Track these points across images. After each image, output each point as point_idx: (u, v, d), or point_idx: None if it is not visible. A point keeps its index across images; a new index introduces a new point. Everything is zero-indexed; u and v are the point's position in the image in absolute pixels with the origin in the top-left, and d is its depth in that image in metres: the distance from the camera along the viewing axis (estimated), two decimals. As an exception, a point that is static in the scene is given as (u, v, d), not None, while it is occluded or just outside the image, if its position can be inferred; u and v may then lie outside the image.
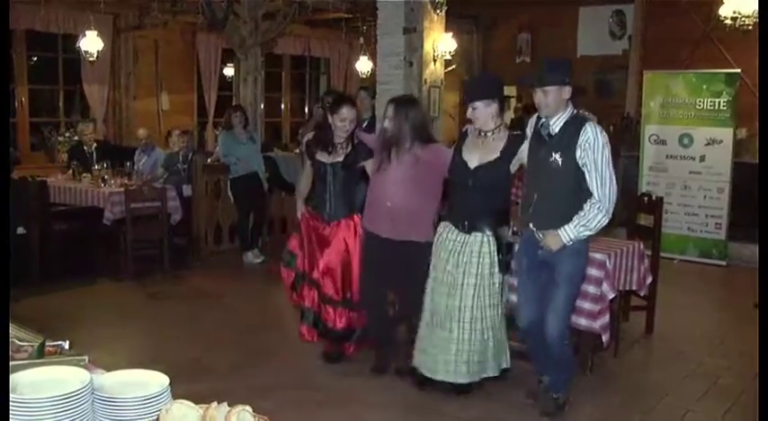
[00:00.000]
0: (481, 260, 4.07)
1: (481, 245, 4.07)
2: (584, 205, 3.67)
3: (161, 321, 5.89)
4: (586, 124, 3.68)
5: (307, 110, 13.98)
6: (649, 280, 5.15)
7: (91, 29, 9.18)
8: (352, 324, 4.69)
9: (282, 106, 13.21)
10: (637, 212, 6.11)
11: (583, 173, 3.66)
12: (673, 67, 8.93)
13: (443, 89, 7.73)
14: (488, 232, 4.08)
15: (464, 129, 4.35)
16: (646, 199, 6.04)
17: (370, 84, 8.98)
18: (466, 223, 4.09)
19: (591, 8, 11.15)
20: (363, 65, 12.23)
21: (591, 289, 4.39)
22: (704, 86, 8.28)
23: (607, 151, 3.64)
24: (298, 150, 9.75)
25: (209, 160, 8.48)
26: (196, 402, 1.82)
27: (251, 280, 7.35)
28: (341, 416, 4.13)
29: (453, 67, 8.07)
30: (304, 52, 13.01)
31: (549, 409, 4.05)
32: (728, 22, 7.60)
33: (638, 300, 5.58)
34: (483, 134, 4.10)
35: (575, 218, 3.68)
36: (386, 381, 4.54)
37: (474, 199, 4.07)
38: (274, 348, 5.13)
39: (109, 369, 2.18)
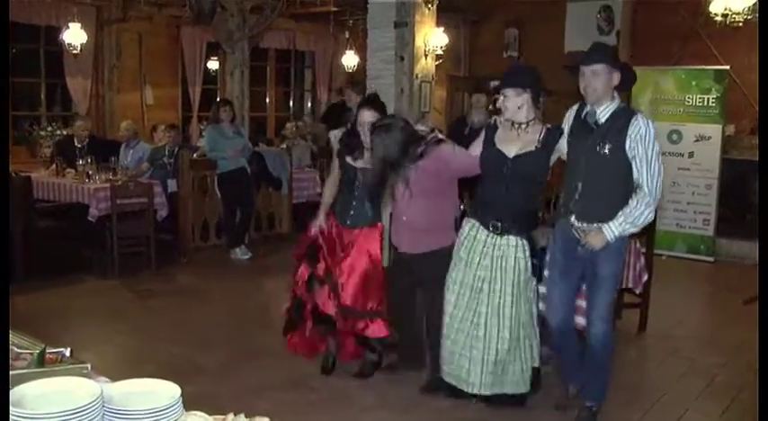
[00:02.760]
0: (517, 265, 3.87)
1: (516, 249, 3.88)
2: (630, 201, 3.53)
3: (149, 320, 5.80)
4: (637, 114, 3.55)
5: (291, 104, 13.89)
6: (645, 278, 5.14)
7: (74, 21, 9.04)
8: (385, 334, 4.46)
9: (267, 100, 13.09)
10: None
11: (630, 164, 3.51)
12: (661, 63, 8.92)
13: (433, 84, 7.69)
14: (522, 235, 3.89)
15: (492, 121, 4.11)
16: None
17: (359, 78, 8.91)
18: (499, 225, 3.87)
19: (578, 3, 11.12)
20: (349, 59, 12.16)
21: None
22: (693, 83, 8.29)
23: (658, 144, 3.51)
24: (284, 145, 9.68)
25: (194, 155, 8.38)
26: (189, 404, 1.76)
27: (239, 276, 7.26)
28: (337, 417, 4.07)
29: (440, 61, 8.00)
30: (289, 46, 12.89)
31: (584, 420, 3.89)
32: (719, 18, 7.62)
33: (630, 297, 5.57)
34: (517, 126, 3.88)
35: (619, 214, 3.53)
36: (379, 382, 4.49)
37: (508, 194, 3.84)
38: (265, 347, 5.05)
39: (103, 371, 2.12)
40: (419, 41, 7.18)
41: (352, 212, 4.44)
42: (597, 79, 3.52)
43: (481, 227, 3.94)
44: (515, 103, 3.83)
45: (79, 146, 8.14)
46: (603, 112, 3.57)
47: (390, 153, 4.04)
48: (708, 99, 8.21)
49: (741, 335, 5.60)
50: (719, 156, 8.22)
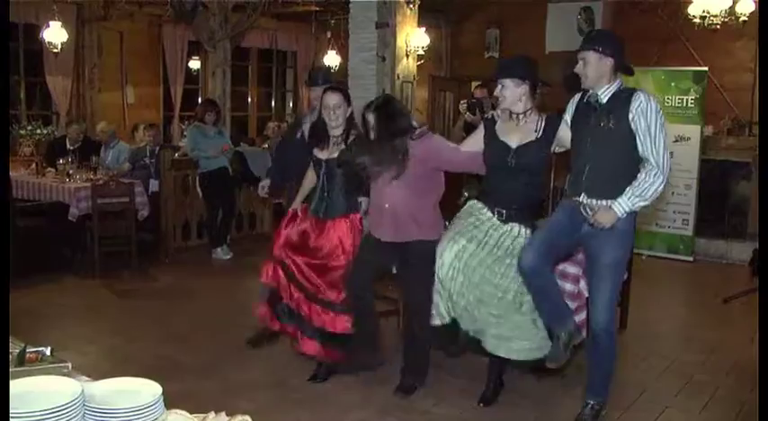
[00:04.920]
0: (511, 256, 3.79)
1: (517, 236, 3.84)
2: (639, 174, 3.53)
3: (131, 319, 5.78)
4: (638, 91, 3.58)
5: (273, 104, 13.86)
6: (625, 277, 5.17)
7: (54, 19, 8.97)
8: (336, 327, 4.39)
9: (249, 100, 13.06)
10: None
11: (635, 138, 3.52)
12: (641, 64, 8.97)
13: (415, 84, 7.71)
14: (525, 223, 3.86)
15: (489, 116, 4.10)
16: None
17: (340, 78, 8.92)
18: (503, 212, 3.85)
19: (559, 5, 11.18)
20: (331, 59, 12.16)
21: (568, 286, 4.38)
22: (672, 84, 8.37)
23: (661, 117, 3.51)
24: (266, 145, 9.67)
25: (176, 155, 8.35)
26: (171, 403, 1.77)
27: (220, 276, 7.25)
28: (319, 416, 4.07)
29: (421, 61, 8.04)
30: (271, 45, 12.88)
31: (586, 419, 3.86)
32: (697, 20, 7.70)
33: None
34: (516, 117, 3.89)
35: (627, 189, 3.51)
36: (362, 380, 4.49)
37: (514, 184, 3.84)
38: (247, 346, 5.04)
39: (85, 371, 2.12)
40: (400, 42, 7.21)
41: (323, 204, 4.43)
42: (587, 66, 3.60)
43: (486, 209, 3.92)
44: (514, 94, 3.85)
45: (71, 148, 8.10)
46: (605, 93, 3.62)
47: (385, 129, 4.05)
48: (687, 100, 8.30)
49: (719, 334, 5.68)
50: (698, 156, 8.31)
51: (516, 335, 3.83)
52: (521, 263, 3.70)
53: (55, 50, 9.14)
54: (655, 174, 3.50)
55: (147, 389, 1.75)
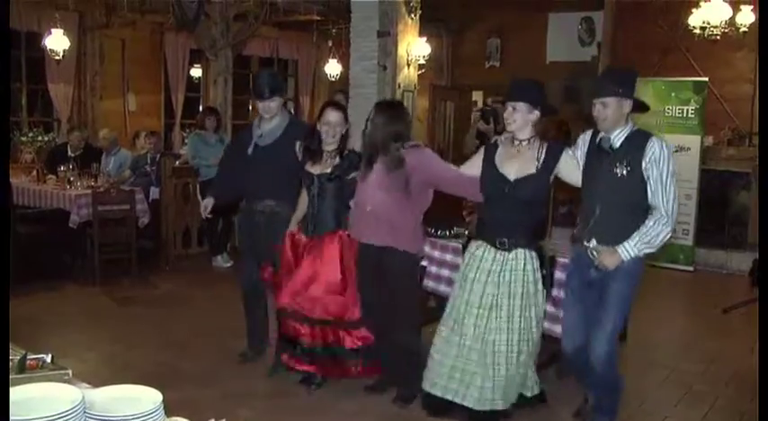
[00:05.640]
0: (525, 278, 3.82)
1: (525, 262, 3.82)
2: (647, 221, 3.51)
3: (131, 327, 5.77)
4: (652, 137, 3.54)
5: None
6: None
7: (57, 27, 9.00)
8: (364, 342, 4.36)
9: (250, 108, 13.07)
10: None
11: (647, 185, 3.51)
12: (641, 74, 8.96)
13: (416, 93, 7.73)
14: (530, 247, 3.84)
15: (493, 140, 4.09)
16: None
17: (341, 87, 8.95)
18: (505, 241, 3.82)
19: (560, 14, 11.24)
20: (332, 68, 12.20)
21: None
22: (672, 94, 8.39)
23: (673, 165, 3.51)
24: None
25: (177, 162, 8.36)
26: (171, 410, 1.77)
27: (220, 284, 7.23)
28: (319, 425, 4.08)
29: (422, 71, 8.06)
30: (272, 54, 12.91)
31: None
32: (697, 31, 7.73)
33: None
34: (518, 143, 3.86)
35: (635, 234, 3.50)
36: (359, 389, 4.47)
37: (513, 214, 3.81)
38: (249, 358, 5.04)
39: (85, 378, 2.12)
40: (402, 51, 7.23)
41: (311, 223, 4.38)
42: (607, 109, 3.55)
43: (488, 246, 3.90)
44: (525, 119, 3.81)
45: (72, 155, 8.12)
46: (618, 137, 3.59)
47: (387, 133, 4.07)
48: (687, 110, 8.32)
49: (719, 344, 5.67)
50: (698, 166, 8.32)
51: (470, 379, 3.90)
52: (565, 350, 3.85)
53: (57, 58, 9.17)
54: (664, 223, 3.50)
55: (147, 397, 1.75)
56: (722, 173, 8.55)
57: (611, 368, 3.74)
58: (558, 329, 4.12)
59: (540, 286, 3.87)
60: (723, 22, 7.55)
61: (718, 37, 7.72)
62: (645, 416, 4.28)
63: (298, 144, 4.52)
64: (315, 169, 4.37)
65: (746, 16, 7.68)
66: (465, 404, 3.93)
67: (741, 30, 7.72)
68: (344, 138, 4.39)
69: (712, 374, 4.99)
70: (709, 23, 7.59)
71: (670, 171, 3.49)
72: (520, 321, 3.83)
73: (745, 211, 8.39)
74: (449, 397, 3.98)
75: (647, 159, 3.48)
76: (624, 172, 3.53)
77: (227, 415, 1.75)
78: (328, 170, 4.32)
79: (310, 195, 4.39)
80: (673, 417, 4.26)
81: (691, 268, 8.35)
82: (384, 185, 4.10)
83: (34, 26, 9.66)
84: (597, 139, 3.68)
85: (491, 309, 3.84)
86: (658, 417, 4.24)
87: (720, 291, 7.33)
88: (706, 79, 8.54)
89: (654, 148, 3.48)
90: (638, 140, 3.54)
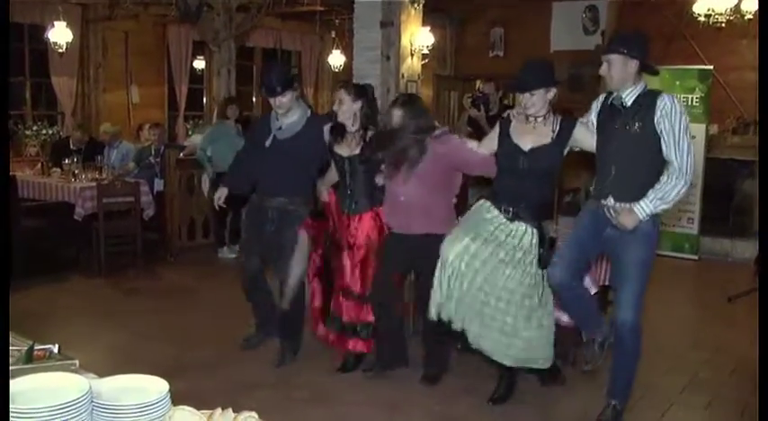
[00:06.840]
0: (519, 253, 3.83)
1: (523, 235, 3.85)
2: (661, 177, 3.52)
3: (137, 318, 5.78)
4: (662, 94, 3.56)
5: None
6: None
7: (59, 19, 9.00)
8: (360, 317, 4.49)
9: (254, 99, 13.08)
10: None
11: (660, 141, 3.51)
12: (646, 62, 8.99)
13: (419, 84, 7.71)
14: (532, 223, 3.86)
15: (505, 115, 4.14)
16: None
17: (345, 78, 8.94)
18: (510, 210, 3.86)
19: (564, 3, 11.18)
20: (336, 59, 12.18)
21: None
22: (677, 82, 8.35)
23: (685, 120, 3.51)
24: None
25: (181, 154, 8.36)
26: (176, 401, 1.78)
27: (226, 275, 7.23)
28: (326, 414, 4.09)
29: (426, 61, 8.04)
30: (275, 45, 12.89)
31: (607, 419, 3.84)
32: (702, 19, 7.69)
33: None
34: (533, 119, 3.88)
35: (650, 192, 3.51)
36: (366, 379, 4.51)
37: (524, 185, 3.85)
38: (253, 344, 5.06)
39: (91, 370, 2.13)
40: (405, 41, 7.21)
41: (348, 201, 4.48)
42: (611, 68, 3.59)
43: (493, 208, 3.93)
44: (543, 100, 3.85)
45: (75, 148, 8.13)
46: (629, 95, 3.61)
47: (410, 125, 4.12)
48: (692, 98, 8.29)
49: (724, 333, 5.68)
50: (703, 155, 8.30)
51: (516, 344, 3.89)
52: (550, 279, 3.79)
53: (60, 51, 9.16)
54: (677, 177, 3.49)
55: (153, 387, 1.76)
56: (727, 161, 8.53)
57: (637, 339, 3.74)
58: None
59: (534, 263, 3.85)
60: (728, 10, 7.52)
61: (723, 24, 7.69)
62: (650, 402, 4.28)
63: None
64: (343, 151, 4.43)
65: (751, 3, 7.63)
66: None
67: (746, 17, 7.67)
68: (367, 117, 4.41)
69: (717, 362, 5.00)
70: (713, 11, 7.56)
71: (682, 125, 3.49)
72: (519, 285, 3.83)
73: (749, 200, 8.37)
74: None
75: (659, 114, 3.49)
76: (637, 128, 3.55)
77: (233, 404, 1.76)
78: (357, 151, 4.37)
79: (342, 175, 4.47)
80: (678, 404, 4.27)
81: (695, 257, 8.34)
82: (418, 174, 4.15)
83: (37, 19, 9.66)
84: (610, 99, 3.72)
85: (492, 254, 3.84)
86: (664, 404, 4.25)
87: (725, 280, 7.31)
88: (711, 67, 8.50)
89: (665, 103, 3.50)
90: (649, 98, 3.56)
